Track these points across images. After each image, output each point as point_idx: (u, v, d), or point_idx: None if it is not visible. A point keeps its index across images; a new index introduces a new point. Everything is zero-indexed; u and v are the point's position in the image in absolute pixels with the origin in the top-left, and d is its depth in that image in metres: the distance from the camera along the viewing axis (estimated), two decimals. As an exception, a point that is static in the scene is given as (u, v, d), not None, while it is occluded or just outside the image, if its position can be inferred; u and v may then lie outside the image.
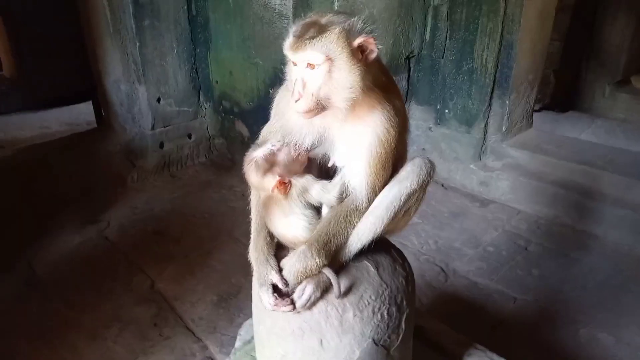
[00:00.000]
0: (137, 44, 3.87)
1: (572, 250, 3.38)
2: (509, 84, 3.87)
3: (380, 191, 1.40)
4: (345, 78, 1.26)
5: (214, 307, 2.87)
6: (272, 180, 1.38)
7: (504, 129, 4.02)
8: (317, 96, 1.27)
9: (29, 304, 2.87)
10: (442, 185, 4.26)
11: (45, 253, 3.32)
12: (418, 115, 4.39)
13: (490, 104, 3.97)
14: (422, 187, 1.39)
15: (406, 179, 1.38)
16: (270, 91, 3.88)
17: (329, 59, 1.25)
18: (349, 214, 1.39)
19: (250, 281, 1.53)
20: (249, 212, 1.59)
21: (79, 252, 3.36)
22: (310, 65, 1.26)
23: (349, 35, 1.25)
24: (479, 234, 3.56)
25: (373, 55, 1.29)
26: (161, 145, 4.31)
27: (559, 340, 2.60)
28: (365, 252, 1.43)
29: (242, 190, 4.20)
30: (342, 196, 1.40)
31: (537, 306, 2.88)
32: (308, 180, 1.39)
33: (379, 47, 1.28)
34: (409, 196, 1.38)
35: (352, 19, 1.27)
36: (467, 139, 4.13)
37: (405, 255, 1.64)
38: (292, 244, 1.44)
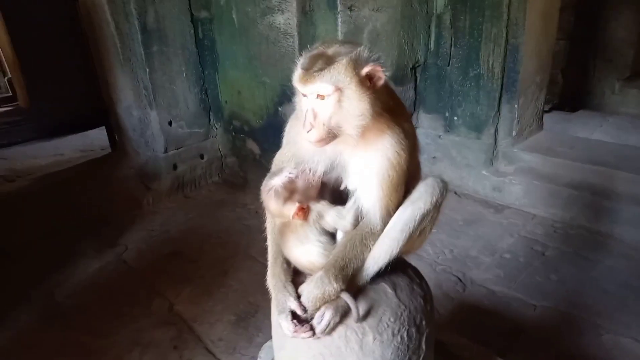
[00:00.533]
0: (147, 69, 3.94)
1: (590, 252, 3.34)
2: (516, 88, 3.86)
3: (394, 213, 1.42)
4: (355, 106, 1.29)
5: (233, 327, 2.89)
6: (292, 208, 1.41)
7: (514, 133, 4.00)
8: (328, 125, 1.30)
9: (50, 332, 2.91)
10: (455, 193, 4.25)
11: (65, 281, 3.37)
12: (427, 124, 4.40)
13: (499, 109, 3.96)
14: (436, 207, 1.41)
15: (419, 200, 1.40)
16: (279, 109, 3.92)
17: (338, 89, 1.28)
18: (364, 237, 1.41)
19: (268, 300, 1.56)
20: (263, 230, 1.64)
21: (98, 277, 3.41)
22: (320, 96, 1.30)
23: (356, 64, 1.28)
24: (494, 241, 3.54)
25: (381, 82, 1.32)
26: (174, 167, 4.37)
27: (583, 347, 2.57)
28: (382, 273, 1.44)
29: (256, 207, 4.25)
30: (357, 221, 1.43)
31: (558, 312, 2.84)
32: (323, 206, 1.43)
33: (387, 73, 1.30)
34: (423, 217, 1.40)
35: (359, 49, 1.31)
36: (477, 145, 4.12)
37: (422, 265, 1.66)
38: (308, 270, 1.47)
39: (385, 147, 1.37)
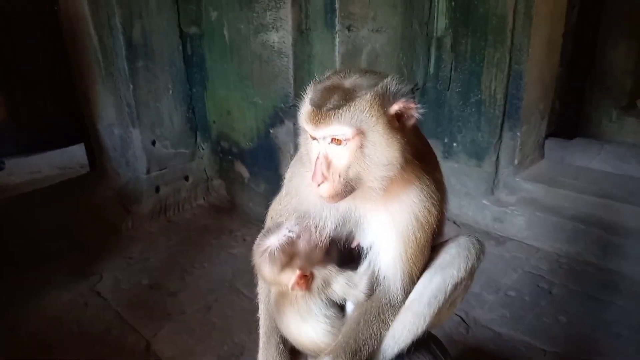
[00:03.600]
0: (131, 86, 3.71)
1: (599, 291, 3.14)
2: (519, 115, 3.71)
3: (418, 279, 1.15)
4: (381, 154, 1.03)
5: (216, 371, 2.61)
6: (291, 275, 1.13)
7: (516, 161, 3.83)
8: (345, 177, 1.04)
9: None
10: (454, 222, 4.04)
11: (30, 315, 3.06)
12: None
13: (500, 136, 3.80)
14: (471, 274, 1.15)
15: (451, 266, 1.14)
16: (271, 131, 3.71)
17: (361, 133, 1.02)
18: (382, 311, 1.13)
19: (255, 341, 1.30)
20: (250, 260, 1.34)
21: (68, 311, 3.11)
22: (337, 141, 1.03)
23: (383, 100, 1.03)
24: (497, 277, 3.33)
25: (412, 121, 1.07)
26: (157, 190, 4.10)
27: (600, 402, 2.35)
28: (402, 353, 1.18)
29: (243, 234, 3.99)
30: (372, 289, 1.16)
31: (569, 359, 2.63)
32: (330, 272, 1.15)
33: (420, 110, 1.06)
34: (455, 286, 1.14)
35: (385, 80, 1.05)
36: (477, 173, 3.94)
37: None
38: (311, 352, 1.18)
39: (413, 202, 1.12)
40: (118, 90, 3.73)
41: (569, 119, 6.12)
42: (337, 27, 3.17)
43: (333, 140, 1.04)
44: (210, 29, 3.83)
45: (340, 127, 1.01)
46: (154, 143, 3.97)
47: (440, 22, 3.81)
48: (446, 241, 1.22)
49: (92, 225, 3.83)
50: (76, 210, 3.80)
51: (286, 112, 3.43)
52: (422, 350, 1.23)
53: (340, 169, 1.04)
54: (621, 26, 5.59)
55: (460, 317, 2.93)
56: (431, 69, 3.95)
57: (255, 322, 1.35)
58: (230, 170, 4.28)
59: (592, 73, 5.89)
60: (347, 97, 1.01)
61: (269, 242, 1.14)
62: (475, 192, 3.97)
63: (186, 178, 4.31)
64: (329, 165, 1.04)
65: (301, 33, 3.29)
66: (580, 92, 6.09)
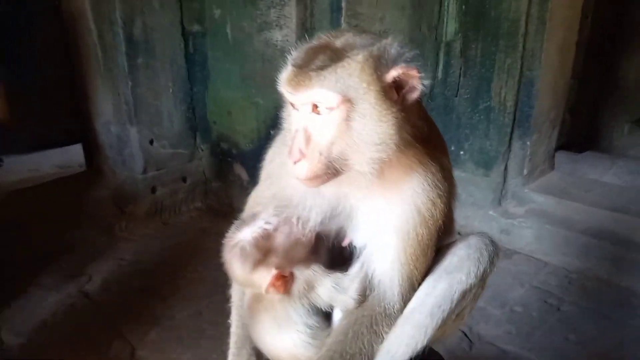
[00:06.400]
0: (130, 83, 3.61)
1: (612, 310, 2.97)
2: (530, 124, 3.56)
3: (419, 285, 0.99)
4: (372, 130, 0.87)
5: (202, 382, 2.47)
6: (266, 275, 0.97)
7: (525, 171, 3.68)
8: (327, 156, 0.88)
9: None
10: (459, 233, 3.88)
11: (15, 317, 2.93)
12: None
13: (510, 145, 3.65)
14: (482, 280, 0.99)
15: (459, 270, 0.98)
16: (272, 132, 3.59)
17: (348, 101, 0.85)
18: (375, 321, 0.96)
19: None
20: (228, 297, 1.18)
21: (54, 313, 2.98)
22: (318, 110, 0.88)
23: (379, 64, 0.86)
24: (504, 291, 3.17)
25: (415, 95, 0.90)
26: (153, 190, 3.99)
27: None
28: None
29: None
30: (364, 295, 0.98)
31: (580, 381, 2.46)
32: (315, 272, 0.98)
33: (425, 82, 0.88)
34: (464, 294, 0.97)
35: (384, 41, 0.89)
36: (485, 182, 3.79)
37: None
38: None
39: (414, 191, 0.96)
40: (116, 87, 3.64)
41: (580, 133, 5.97)
42: (343, 27, 3.06)
43: (314, 108, 0.88)
44: (214, 27, 3.74)
45: (322, 91, 0.85)
46: (151, 142, 3.87)
47: (450, 26, 3.69)
48: (454, 242, 1.06)
49: (85, 225, 3.72)
50: (69, 209, 3.70)
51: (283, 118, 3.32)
52: None
53: (321, 145, 0.88)
54: (636, 39, 5.47)
55: (463, 333, 2.77)
56: (439, 74, 3.83)
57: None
58: (229, 173, 4.17)
59: (605, 86, 5.76)
60: (335, 57, 0.86)
61: (241, 236, 0.98)
62: (482, 203, 3.82)
63: (184, 179, 4.19)
64: (308, 139, 0.88)
65: (305, 31, 3.19)
66: (591, 105, 5.95)
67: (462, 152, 3.87)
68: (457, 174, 3.72)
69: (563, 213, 3.54)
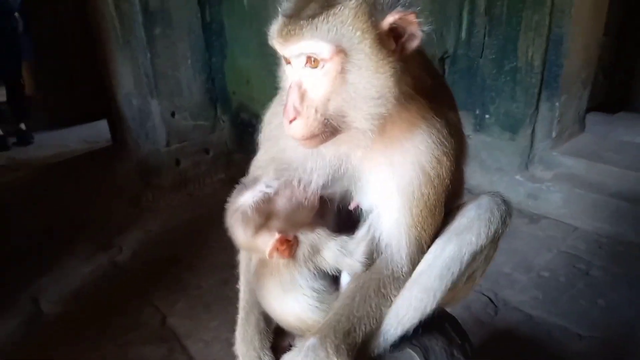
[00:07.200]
0: (148, 54, 3.61)
1: (643, 274, 2.89)
2: (558, 84, 3.41)
3: (428, 248, 0.96)
4: (368, 82, 0.82)
5: (230, 346, 2.52)
6: (268, 239, 0.96)
7: (554, 134, 3.56)
8: (323, 113, 0.83)
9: (31, 346, 2.61)
10: (485, 199, 3.82)
11: (51, 286, 3.08)
12: None
13: (537, 107, 3.52)
14: (494, 242, 0.95)
15: (469, 231, 0.94)
16: (291, 101, 3.56)
17: (342, 52, 0.81)
18: (383, 284, 0.94)
19: None
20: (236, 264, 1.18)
21: (87, 282, 3.11)
22: (312, 63, 0.83)
23: (374, 10, 0.81)
24: (530, 256, 3.12)
25: (414, 44, 0.85)
26: (177, 163, 4.03)
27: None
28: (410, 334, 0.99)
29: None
30: (371, 259, 0.96)
31: (608, 346, 2.43)
32: (320, 236, 0.97)
33: (425, 28, 0.83)
34: (474, 256, 0.93)
35: None
36: (511, 146, 3.68)
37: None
38: (297, 330, 1.01)
39: (418, 149, 0.91)
40: (136, 59, 3.64)
41: (615, 93, 5.71)
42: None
43: (308, 61, 0.83)
44: (229, -6, 3.68)
45: (314, 42, 0.80)
46: (173, 115, 3.89)
47: (474, -17, 3.53)
48: (464, 203, 1.02)
49: (113, 198, 3.81)
50: (97, 183, 3.78)
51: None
52: (433, 332, 1.03)
53: (317, 101, 0.83)
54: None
55: (489, 298, 2.76)
56: (463, 35, 3.68)
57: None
58: (251, 143, 4.15)
59: (642, 42, 5.45)
60: (326, 4, 0.81)
61: (242, 200, 0.98)
62: (508, 168, 3.73)
63: (206, 151, 4.22)
64: (302, 96, 0.84)
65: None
66: (628, 64, 5.66)
67: (487, 116, 3.76)
68: (482, 138, 3.63)
69: (593, 176, 3.42)
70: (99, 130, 5.94)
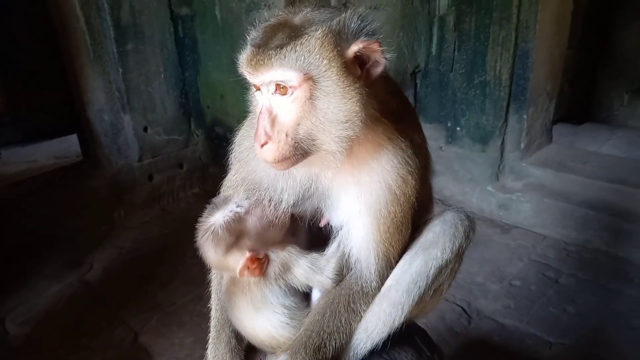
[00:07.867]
0: (120, 69, 3.58)
1: (609, 281, 2.98)
2: (526, 97, 3.52)
3: (396, 262, 0.99)
4: (336, 107, 0.85)
5: (205, 365, 2.50)
6: (239, 258, 0.97)
7: (522, 145, 3.65)
8: (294, 137, 0.86)
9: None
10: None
11: (18, 306, 2.97)
12: (427, 134, 3.95)
13: (506, 119, 3.62)
14: (459, 255, 0.99)
15: (435, 246, 0.97)
16: (265, 115, 3.56)
17: (310, 79, 0.84)
18: (352, 299, 0.96)
19: None
20: (207, 283, 1.18)
21: (56, 302, 3.02)
22: (281, 90, 0.86)
23: (339, 39, 0.84)
24: (502, 266, 3.18)
25: (379, 69, 0.88)
26: (150, 178, 3.98)
27: (610, 397, 2.20)
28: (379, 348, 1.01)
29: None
30: (341, 275, 0.98)
31: (578, 352, 2.49)
32: (291, 254, 0.98)
33: (388, 55, 0.87)
34: (440, 270, 0.97)
35: (343, 15, 0.87)
36: (482, 158, 3.77)
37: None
38: (268, 346, 1.02)
39: (384, 168, 0.95)
40: (107, 74, 3.60)
41: (580, 104, 5.92)
42: (333, 3, 3.00)
43: (277, 88, 0.86)
44: (202, 9, 3.68)
45: (283, 70, 0.84)
46: (145, 129, 3.84)
47: (443, 0, 3.63)
48: (431, 218, 1.05)
49: (84, 214, 3.73)
50: (68, 199, 3.70)
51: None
52: (403, 345, 1.06)
53: (287, 125, 0.86)
54: (634, 6, 5.36)
55: (462, 308, 2.79)
56: (433, 50, 3.78)
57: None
58: (225, 157, 4.14)
59: (604, 56, 5.68)
60: (294, 34, 0.84)
61: (213, 220, 0.99)
62: (480, 178, 3.81)
63: (180, 166, 4.18)
64: (273, 121, 0.86)
65: (295, 11, 3.13)
66: (591, 76, 5.88)
67: (458, 128, 3.84)
68: (455, 150, 3.70)
69: (561, 186, 3.52)
70: (68, 146, 5.83)
